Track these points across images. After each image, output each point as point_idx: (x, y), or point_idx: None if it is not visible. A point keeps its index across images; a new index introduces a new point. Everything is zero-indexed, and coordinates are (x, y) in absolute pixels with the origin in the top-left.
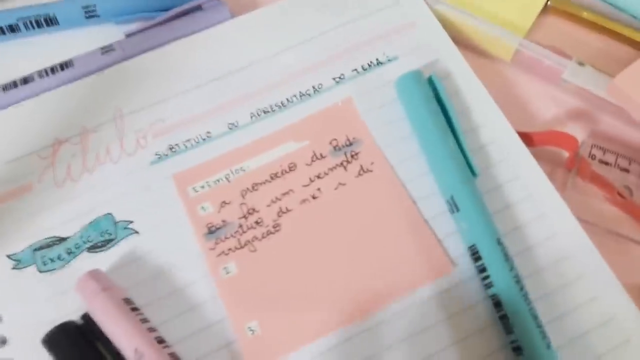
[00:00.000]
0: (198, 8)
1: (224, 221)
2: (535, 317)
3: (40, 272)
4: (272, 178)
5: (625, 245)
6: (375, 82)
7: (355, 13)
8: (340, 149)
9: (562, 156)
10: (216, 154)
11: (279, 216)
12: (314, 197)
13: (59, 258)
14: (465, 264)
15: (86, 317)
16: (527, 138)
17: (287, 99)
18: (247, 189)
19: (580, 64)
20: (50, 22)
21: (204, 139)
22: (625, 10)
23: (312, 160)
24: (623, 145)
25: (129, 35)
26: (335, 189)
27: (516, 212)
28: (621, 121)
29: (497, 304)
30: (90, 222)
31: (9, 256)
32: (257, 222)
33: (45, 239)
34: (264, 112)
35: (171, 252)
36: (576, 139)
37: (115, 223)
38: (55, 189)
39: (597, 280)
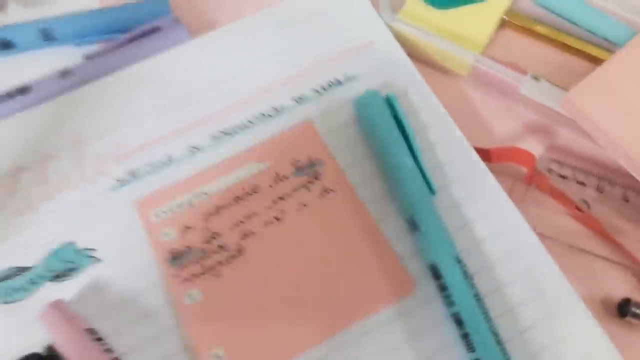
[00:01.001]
0: (157, 29)
1: (187, 247)
2: (495, 335)
3: (4, 303)
4: (235, 201)
5: (585, 258)
6: (335, 102)
7: (314, 33)
8: (302, 170)
9: (521, 171)
10: (178, 178)
11: (243, 239)
12: (277, 219)
13: (22, 289)
14: (427, 283)
15: (50, 349)
16: (485, 154)
17: (248, 121)
18: (210, 212)
19: (536, 78)
20: (6, 45)
21: (165, 163)
22: (579, 24)
23: (275, 182)
24: (580, 158)
25: (88, 58)
26: (298, 210)
27: (475, 229)
28: (578, 135)
29: (458, 322)
30: (53, 251)
31: None
32: (220, 247)
33: (8, 269)
34: (225, 133)
35: (134, 280)
36: (533, 154)
37: (78, 251)
38: (16, 217)
39: (558, 295)
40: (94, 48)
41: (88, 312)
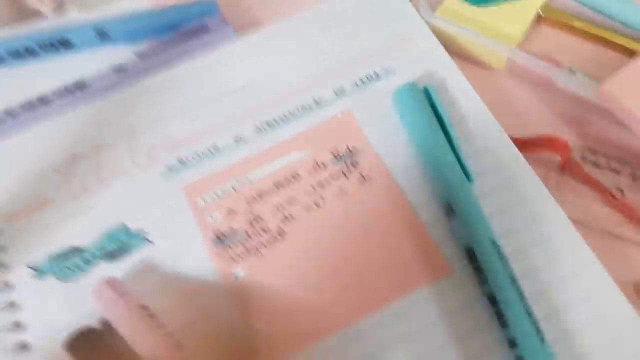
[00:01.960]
0: (205, 28)
1: (231, 229)
2: (529, 313)
3: (60, 280)
4: (276, 187)
5: (618, 244)
6: (374, 95)
7: (355, 29)
8: (341, 158)
9: (555, 160)
10: (223, 166)
11: (284, 223)
12: (316, 205)
13: (77, 267)
14: (462, 266)
15: (104, 323)
16: (520, 143)
17: (290, 112)
18: (253, 197)
19: (571, 71)
20: (65, 44)
21: (211, 152)
22: (614, 18)
23: (314, 170)
24: (614, 147)
25: (140, 55)
26: (337, 196)
27: (510, 215)
28: (612, 125)
29: (492, 301)
30: (106, 233)
31: (30, 266)
32: (263, 230)
33: (64, 249)
34: (268, 125)
35: (183, 260)
36: (567, 142)
37: (130, 233)
38: (72, 202)
39: (591, 278)
40: (145, 46)
41: (140, 291)
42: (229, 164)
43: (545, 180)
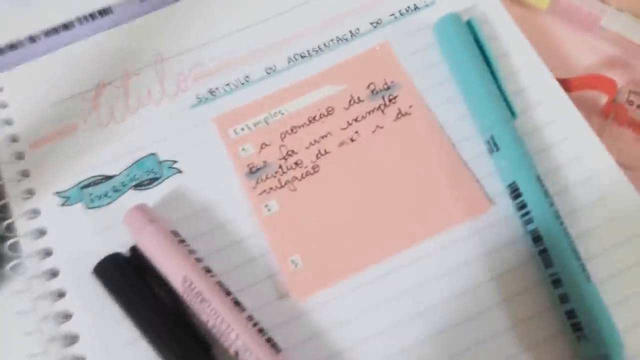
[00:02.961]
0: None
1: (264, 162)
2: (574, 251)
3: (88, 208)
4: (310, 121)
5: None
6: (413, 27)
7: None
8: (377, 93)
9: (598, 103)
10: (255, 98)
11: (318, 158)
12: (352, 140)
13: (105, 195)
14: (503, 203)
15: (134, 250)
16: (565, 83)
17: (324, 44)
18: (286, 131)
19: (619, 10)
20: None
21: (242, 83)
22: None
23: (350, 104)
24: None
25: None
26: (373, 131)
27: (554, 154)
28: None
29: (536, 238)
30: (135, 161)
31: (57, 193)
32: (296, 164)
33: (92, 177)
34: (302, 56)
35: (214, 191)
36: (614, 81)
37: (160, 162)
38: (100, 130)
39: (636, 219)
40: None
41: (171, 218)
42: (261, 97)
43: (588, 123)
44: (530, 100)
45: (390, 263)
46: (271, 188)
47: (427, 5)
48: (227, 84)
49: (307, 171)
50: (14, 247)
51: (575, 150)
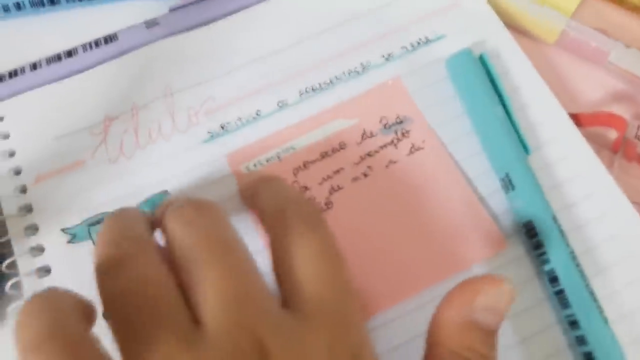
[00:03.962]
0: None
1: None
2: (591, 292)
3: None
4: (322, 156)
5: None
6: (424, 60)
7: None
8: (390, 127)
9: (607, 138)
10: (267, 133)
11: (331, 194)
12: (365, 175)
13: None
14: (518, 241)
15: None
16: (575, 119)
17: (336, 77)
18: (299, 167)
19: (627, 46)
20: None
21: (254, 117)
22: None
23: (362, 139)
24: None
25: (173, 10)
26: (387, 166)
27: (567, 191)
28: None
29: (552, 279)
30: (146, 199)
31: (64, 230)
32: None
33: (101, 214)
34: (313, 89)
35: None
36: (625, 119)
37: None
38: (109, 165)
39: None
40: (179, 1)
41: None
42: (273, 131)
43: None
44: (543, 136)
45: (407, 305)
46: None
47: (438, 38)
48: (239, 118)
49: (320, 208)
50: (16, 286)
51: (587, 187)
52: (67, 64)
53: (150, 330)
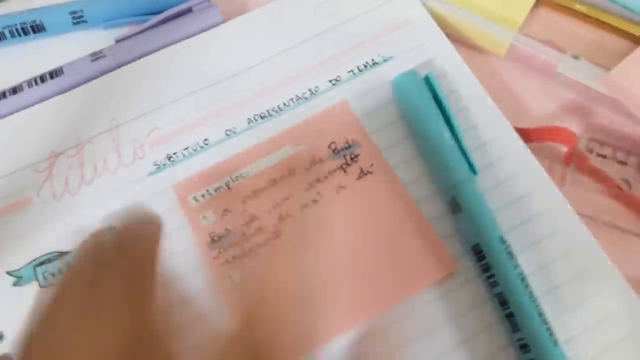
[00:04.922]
0: (189, 11)
1: (227, 230)
2: (540, 315)
3: (42, 287)
4: (271, 184)
5: (626, 238)
6: (372, 83)
7: (349, 13)
8: (339, 152)
9: (559, 151)
10: (215, 162)
11: (280, 222)
12: (314, 202)
13: (60, 272)
14: (469, 264)
15: None
16: (525, 134)
17: (284, 103)
18: (248, 195)
19: (575, 57)
20: (37, 29)
21: (201, 147)
22: (618, 2)
23: (311, 165)
24: (620, 138)
25: (119, 41)
26: (336, 192)
27: (517, 210)
28: (617, 114)
29: (502, 302)
30: None
31: (9, 273)
32: (258, 229)
33: (47, 254)
34: (262, 117)
35: (176, 263)
36: (574, 133)
37: None
38: (55, 203)
39: (600, 274)
40: (124, 31)
41: None
42: (221, 160)
43: (549, 173)
44: (491, 154)
45: (357, 332)
46: (234, 257)
47: (385, 60)
48: (186, 148)
49: (269, 237)
50: None
51: (537, 205)
52: (12, 100)
53: None
